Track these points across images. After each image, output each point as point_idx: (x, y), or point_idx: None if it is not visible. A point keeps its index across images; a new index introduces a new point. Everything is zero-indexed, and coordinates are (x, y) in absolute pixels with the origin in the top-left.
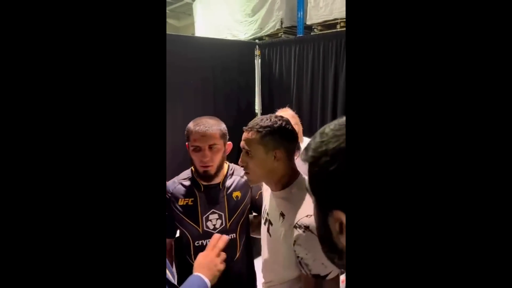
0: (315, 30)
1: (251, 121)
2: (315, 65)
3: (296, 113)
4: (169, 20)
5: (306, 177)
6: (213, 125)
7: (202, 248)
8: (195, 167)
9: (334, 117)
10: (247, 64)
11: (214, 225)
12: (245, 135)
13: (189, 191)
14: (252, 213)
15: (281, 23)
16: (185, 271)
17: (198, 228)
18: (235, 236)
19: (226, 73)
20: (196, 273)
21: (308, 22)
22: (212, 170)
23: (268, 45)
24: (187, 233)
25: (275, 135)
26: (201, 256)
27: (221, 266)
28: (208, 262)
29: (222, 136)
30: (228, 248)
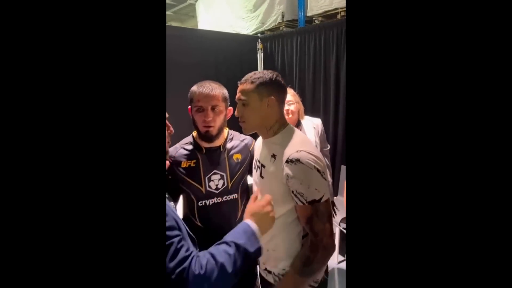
0: (316, 21)
1: (245, 76)
2: (317, 55)
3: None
4: (172, 23)
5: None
6: (216, 88)
7: (205, 208)
8: (197, 129)
9: (336, 107)
10: (249, 57)
11: (216, 185)
12: (240, 87)
13: (192, 154)
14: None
15: (282, 17)
16: (190, 231)
17: (201, 189)
18: (236, 197)
19: (228, 67)
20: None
21: (309, 14)
22: (213, 130)
23: (270, 38)
24: (191, 194)
25: (267, 84)
26: (250, 204)
27: (268, 209)
28: (256, 208)
29: (224, 99)
30: (231, 209)
